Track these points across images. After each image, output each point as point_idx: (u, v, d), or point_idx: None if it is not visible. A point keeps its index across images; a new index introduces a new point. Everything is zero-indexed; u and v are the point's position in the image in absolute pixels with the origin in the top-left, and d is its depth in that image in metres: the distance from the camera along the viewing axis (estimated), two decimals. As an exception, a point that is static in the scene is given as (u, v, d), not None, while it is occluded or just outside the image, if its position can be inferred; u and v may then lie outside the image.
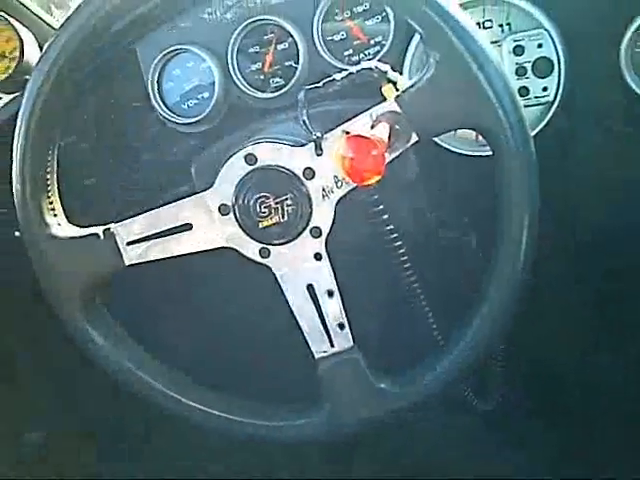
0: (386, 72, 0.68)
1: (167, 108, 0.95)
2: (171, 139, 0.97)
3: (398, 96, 0.63)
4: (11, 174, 0.67)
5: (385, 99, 0.65)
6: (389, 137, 0.62)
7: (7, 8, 0.96)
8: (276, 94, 0.91)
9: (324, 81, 0.71)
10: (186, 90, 0.95)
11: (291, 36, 0.90)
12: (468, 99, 0.60)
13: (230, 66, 0.92)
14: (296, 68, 0.90)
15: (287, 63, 0.91)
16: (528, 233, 0.62)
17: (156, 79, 0.94)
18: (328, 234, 0.69)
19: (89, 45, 0.64)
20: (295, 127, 0.73)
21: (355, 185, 0.65)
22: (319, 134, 0.66)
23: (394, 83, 0.67)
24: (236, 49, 0.92)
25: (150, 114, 0.95)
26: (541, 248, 0.63)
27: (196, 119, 0.93)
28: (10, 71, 0.92)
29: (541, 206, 0.62)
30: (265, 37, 0.91)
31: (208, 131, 0.94)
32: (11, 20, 0.92)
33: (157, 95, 0.94)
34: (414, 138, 0.63)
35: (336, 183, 0.67)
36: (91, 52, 0.65)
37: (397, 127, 0.63)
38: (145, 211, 0.70)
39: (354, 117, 0.65)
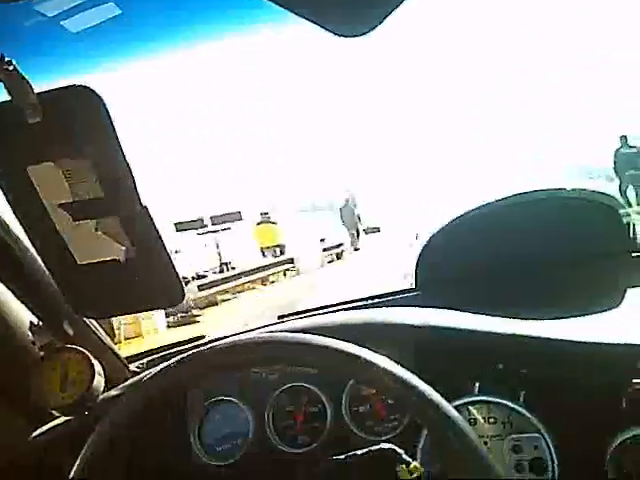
0: (401, 455, 0.80)
1: (202, 447, 1.06)
2: (201, 476, 1.06)
3: None
4: None
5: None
6: None
7: (88, 342, 1.13)
8: (302, 450, 1.03)
9: (347, 454, 0.83)
10: (223, 434, 1.07)
11: (322, 402, 1.05)
12: None
13: (266, 420, 1.05)
14: (322, 430, 1.03)
15: (315, 424, 1.05)
16: None
17: (198, 421, 1.07)
18: None
19: (150, 409, 0.78)
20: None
21: None
22: None
23: (407, 464, 0.78)
24: (273, 406, 1.06)
25: (186, 451, 1.06)
26: None
27: (226, 462, 1.03)
28: (75, 397, 1.05)
29: None
30: (300, 399, 1.06)
31: (235, 475, 1.03)
32: (88, 353, 1.08)
33: (196, 435, 1.06)
34: None
35: None
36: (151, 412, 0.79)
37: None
38: None
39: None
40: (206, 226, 14.17)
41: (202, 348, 0.79)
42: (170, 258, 0.82)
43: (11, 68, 0.65)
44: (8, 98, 0.67)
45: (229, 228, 14.55)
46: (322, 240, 18.29)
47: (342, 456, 0.84)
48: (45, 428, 1.08)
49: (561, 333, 0.98)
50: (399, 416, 1.02)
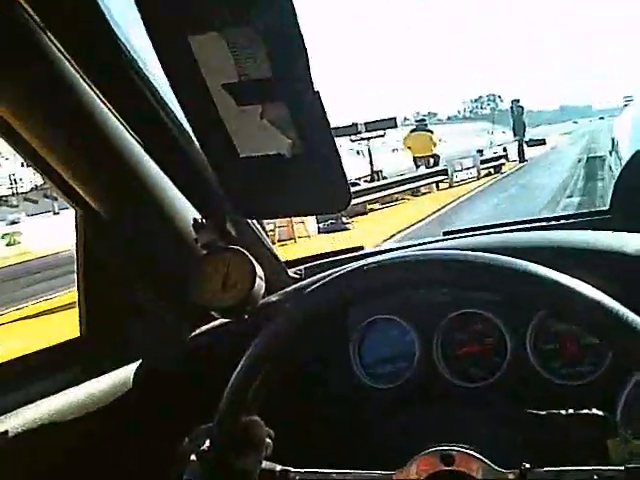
0: (616, 424, 0.65)
1: (363, 368, 0.98)
2: (361, 398, 0.98)
3: (629, 463, 0.58)
4: None
5: (608, 454, 0.62)
6: None
7: (250, 244, 1.06)
8: (474, 385, 0.91)
9: (548, 412, 0.71)
10: (385, 356, 0.97)
11: (501, 333, 0.91)
12: None
13: (434, 346, 0.94)
14: (500, 365, 0.90)
15: (491, 358, 0.91)
16: None
17: (359, 340, 0.98)
18: None
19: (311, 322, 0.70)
20: (495, 434, 0.72)
21: None
22: (527, 465, 0.63)
23: (625, 440, 0.63)
24: (443, 332, 0.94)
25: (346, 370, 0.98)
26: None
27: (389, 385, 0.94)
28: (236, 299, 1.00)
29: None
30: (475, 327, 0.93)
31: (398, 400, 0.94)
32: (250, 256, 1.01)
33: (357, 354, 0.98)
34: None
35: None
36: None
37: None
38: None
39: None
40: (360, 132, 14.04)
41: (369, 262, 0.68)
42: (340, 157, 0.70)
43: None
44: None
45: (382, 135, 14.32)
46: (480, 152, 17.43)
47: (542, 412, 0.72)
48: (204, 328, 1.06)
49: None
50: (596, 360, 0.86)
